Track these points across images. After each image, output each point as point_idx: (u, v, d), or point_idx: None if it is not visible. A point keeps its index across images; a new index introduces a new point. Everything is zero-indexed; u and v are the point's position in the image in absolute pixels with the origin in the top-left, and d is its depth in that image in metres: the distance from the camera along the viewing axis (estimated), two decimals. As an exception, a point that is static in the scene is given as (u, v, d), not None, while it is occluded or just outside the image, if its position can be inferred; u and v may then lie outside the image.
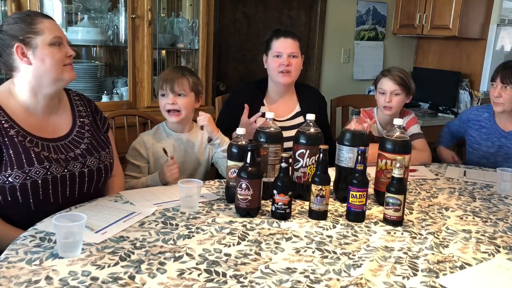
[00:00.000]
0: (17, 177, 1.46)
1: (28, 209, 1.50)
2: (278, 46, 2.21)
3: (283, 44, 2.21)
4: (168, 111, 1.96)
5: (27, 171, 1.47)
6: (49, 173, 1.51)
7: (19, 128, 1.51)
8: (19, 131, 1.50)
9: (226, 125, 2.07)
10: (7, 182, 1.45)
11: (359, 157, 1.54)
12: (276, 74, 2.22)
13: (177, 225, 1.44)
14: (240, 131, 1.63)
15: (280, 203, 1.51)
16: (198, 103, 2.03)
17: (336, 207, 1.67)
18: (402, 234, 1.47)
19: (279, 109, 2.28)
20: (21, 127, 1.51)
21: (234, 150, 1.61)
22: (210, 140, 1.93)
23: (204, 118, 1.88)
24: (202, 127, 1.93)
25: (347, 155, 1.67)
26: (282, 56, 2.19)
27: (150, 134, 2.03)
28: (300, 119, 2.29)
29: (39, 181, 1.49)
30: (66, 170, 1.55)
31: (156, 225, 1.43)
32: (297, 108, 2.33)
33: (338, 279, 1.17)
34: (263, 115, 2.00)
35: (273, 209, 1.53)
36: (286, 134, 1.85)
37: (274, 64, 2.21)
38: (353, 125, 1.70)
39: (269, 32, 2.31)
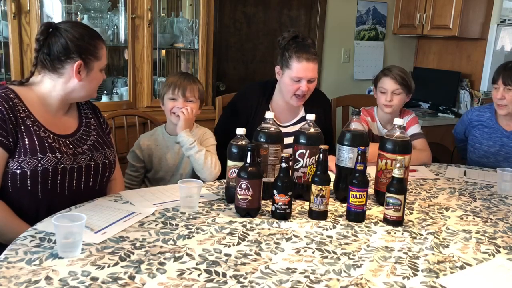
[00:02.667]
0: (29, 163, 1.50)
1: (35, 197, 1.54)
2: (298, 71, 2.05)
3: (305, 70, 2.05)
4: (174, 113, 1.99)
5: (39, 158, 1.52)
6: (59, 163, 1.55)
7: (34, 119, 1.56)
8: (35, 121, 1.56)
9: (227, 128, 1.98)
10: (19, 168, 1.50)
11: (359, 157, 1.54)
12: (290, 96, 2.11)
13: (177, 225, 1.44)
14: (240, 131, 1.63)
15: (280, 203, 1.51)
16: (199, 111, 2.07)
17: (336, 207, 1.67)
18: (402, 234, 1.47)
19: (284, 114, 2.24)
20: (37, 119, 1.57)
21: (234, 150, 1.61)
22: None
23: (184, 115, 1.95)
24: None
25: (347, 155, 1.67)
26: (301, 82, 2.07)
27: (147, 136, 2.11)
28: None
29: (50, 170, 1.53)
30: (75, 163, 1.60)
31: (156, 225, 1.43)
32: (302, 113, 2.26)
33: (338, 279, 1.17)
34: None
35: (273, 209, 1.53)
36: (288, 140, 1.81)
37: (290, 87, 2.09)
38: (353, 125, 1.70)
39: (285, 36, 2.14)
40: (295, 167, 1.69)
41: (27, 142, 1.51)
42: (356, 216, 1.54)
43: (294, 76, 2.06)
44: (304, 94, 2.11)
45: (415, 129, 2.40)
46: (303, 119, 2.24)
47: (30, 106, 1.56)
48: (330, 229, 1.48)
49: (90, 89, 1.64)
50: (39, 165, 1.51)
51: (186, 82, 2.01)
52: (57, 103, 1.62)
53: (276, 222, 1.50)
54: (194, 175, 1.99)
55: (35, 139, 1.53)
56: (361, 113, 2.08)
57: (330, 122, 2.43)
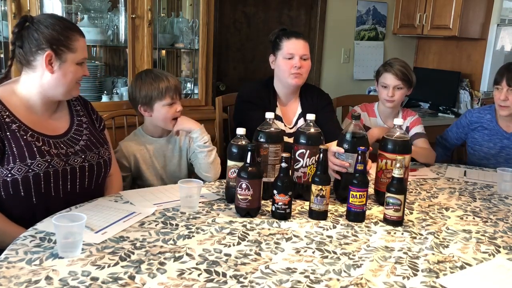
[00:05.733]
0: (19, 170, 1.48)
1: (29, 203, 1.52)
2: (290, 47, 2.12)
3: (295, 46, 2.13)
4: (173, 118, 1.94)
5: (29, 164, 1.49)
6: (50, 166, 1.52)
7: (20, 123, 1.53)
8: (21, 126, 1.53)
9: (254, 120, 1.89)
10: (9, 175, 1.47)
11: (359, 157, 1.54)
12: (287, 75, 2.14)
13: (177, 225, 1.44)
14: (240, 131, 1.63)
15: (280, 203, 1.51)
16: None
17: (336, 207, 1.67)
18: (402, 234, 1.47)
19: (288, 112, 2.25)
20: (23, 123, 1.54)
21: (234, 150, 1.61)
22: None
23: (177, 124, 1.92)
24: (177, 133, 1.96)
25: (346, 161, 1.65)
26: (294, 58, 2.12)
27: (128, 142, 2.01)
28: (301, 122, 2.24)
29: (41, 174, 1.50)
30: (67, 165, 1.57)
31: (156, 225, 1.43)
32: (299, 109, 2.28)
33: (338, 279, 1.17)
34: None
35: (273, 209, 1.53)
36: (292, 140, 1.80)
37: (285, 66, 2.13)
38: (351, 129, 1.68)
39: (274, 31, 2.24)
40: (295, 167, 1.69)
41: (14, 149, 1.49)
42: (356, 216, 1.54)
43: (286, 53, 2.13)
44: (300, 73, 2.13)
45: (418, 129, 2.40)
46: (300, 116, 2.27)
47: (14, 111, 1.53)
48: (330, 229, 1.48)
49: (66, 83, 1.56)
50: (30, 170, 1.49)
51: (172, 81, 1.93)
52: (40, 103, 1.58)
53: (276, 222, 1.50)
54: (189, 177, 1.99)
55: (23, 144, 1.50)
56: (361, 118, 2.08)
57: (331, 113, 2.32)
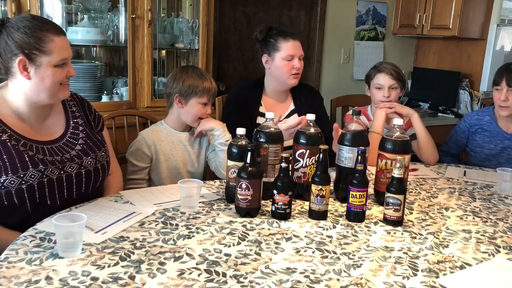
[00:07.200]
0: (12, 182, 1.44)
1: (25, 212, 1.49)
2: (290, 49, 2.16)
3: (294, 47, 2.17)
4: (200, 118, 2.02)
5: (21, 175, 1.45)
6: (44, 176, 1.48)
7: (12, 132, 1.48)
8: (12, 135, 1.48)
9: (235, 124, 2.03)
10: (2, 187, 1.43)
11: (359, 157, 1.54)
12: (287, 76, 2.18)
13: (177, 225, 1.44)
14: (240, 131, 1.63)
15: (280, 203, 1.51)
16: None
17: (336, 207, 1.67)
18: (402, 234, 1.47)
19: (275, 109, 2.26)
20: (14, 131, 1.49)
21: (234, 150, 1.61)
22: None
23: (201, 125, 2.01)
24: (198, 135, 2.04)
25: (347, 155, 1.67)
26: (294, 60, 2.16)
27: (150, 132, 2.07)
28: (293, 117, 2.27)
29: (35, 185, 1.47)
30: (62, 172, 1.53)
31: (156, 225, 1.43)
32: (291, 106, 2.32)
33: (338, 279, 1.17)
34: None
35: (273, 209, 1.53)
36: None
37: (285, 67, 2.16)
38: (353, 125, 1.70)
39: (261, 29, 2.22)
40: (295, 167, 1.69)
41: (6, 160, 1.43)
42: (356, 216, 1.54)
43: (286, 55, 2.16)
44: (299, 73, 2.20)
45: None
46: (293, 112, 2.31)
47: (5, 119, 1.48)
48: (330, 229, 1.48)
49: (46, 88, 1.48)
50: (23, 182, 1.44)
51: (214, 84, 2.03)
52: (29, 110, 1.53)
53: (276, 222, 1.50)
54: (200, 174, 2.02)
55: (14, 155, 1.44)
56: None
57: (323, 112, 2.40)
